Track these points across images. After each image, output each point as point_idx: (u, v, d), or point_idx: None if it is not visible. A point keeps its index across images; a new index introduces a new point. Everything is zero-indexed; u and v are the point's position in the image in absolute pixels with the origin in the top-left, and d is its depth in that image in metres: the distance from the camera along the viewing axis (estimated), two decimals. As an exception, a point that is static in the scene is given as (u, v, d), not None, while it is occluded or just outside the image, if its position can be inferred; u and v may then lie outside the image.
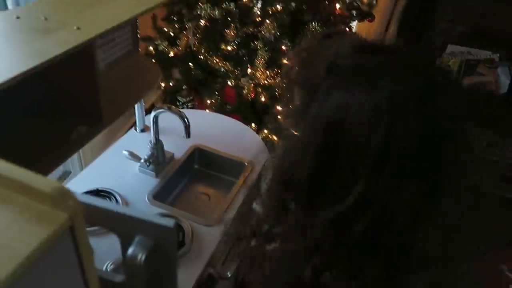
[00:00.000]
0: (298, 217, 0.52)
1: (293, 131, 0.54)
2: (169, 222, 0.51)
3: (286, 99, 0.56)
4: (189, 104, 1.98)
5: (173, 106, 1.19)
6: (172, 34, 2.06)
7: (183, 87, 1.99)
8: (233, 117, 1.64)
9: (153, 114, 1.17)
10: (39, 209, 0.40)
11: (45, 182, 0.41)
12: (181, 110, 1.17)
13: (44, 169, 0.82)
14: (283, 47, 1.95)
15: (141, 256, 0.52)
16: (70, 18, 0.89)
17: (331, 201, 0.48)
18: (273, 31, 1.87)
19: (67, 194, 0.41)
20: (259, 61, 1.87)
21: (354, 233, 0.47)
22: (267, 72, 1.91)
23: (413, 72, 0.47)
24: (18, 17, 0.86)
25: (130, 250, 0.52)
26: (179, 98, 1.98)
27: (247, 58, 1.95)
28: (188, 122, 1.14)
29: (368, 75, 0.47)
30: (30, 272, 0.34)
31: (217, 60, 1.97)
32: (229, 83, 1.96)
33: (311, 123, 0.50)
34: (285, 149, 0.56)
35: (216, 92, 1.98)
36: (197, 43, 2.02)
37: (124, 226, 0.54)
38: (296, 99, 0.54)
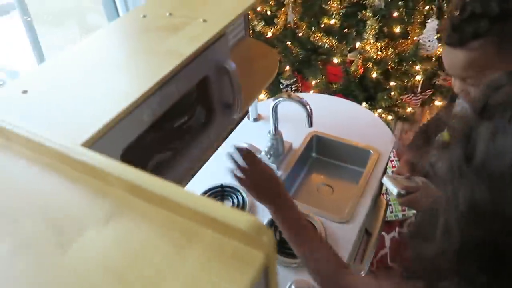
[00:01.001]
0: None
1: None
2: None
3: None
4: (293, 86, 1.88)
5: (293, 93, 1.10)
6: (269, 13, 1.96)
7: (285, 69, 1.89)
8: (339, 97, 1.51)
9: (272, 103, 1.10)
10: (232, 247, 0.35)
11: (239, 217, 0.35)
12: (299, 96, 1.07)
13: (186, 173, 0.79)
14: (395, 14, 1.74)
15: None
16: (194, 11, 0.84)
17: None
18: (382, -3, 1.67)
19: (262, 230, 0.35)
20: (369, 32, 1.69)
21: None
22: (378, 44, 1.72)
23: None
24: (144, 16, 0.83)
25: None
26: (282, 80, 1.89)
27: (353, 30, 1.78)
28: (311, 109, 1.05)
29: None
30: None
31: (319, 36, 1.83)
32: (334, 60, 1.82)
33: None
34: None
35: (320, 71, 1.85)
36: (297, 19, 1.90)
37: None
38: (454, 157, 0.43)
